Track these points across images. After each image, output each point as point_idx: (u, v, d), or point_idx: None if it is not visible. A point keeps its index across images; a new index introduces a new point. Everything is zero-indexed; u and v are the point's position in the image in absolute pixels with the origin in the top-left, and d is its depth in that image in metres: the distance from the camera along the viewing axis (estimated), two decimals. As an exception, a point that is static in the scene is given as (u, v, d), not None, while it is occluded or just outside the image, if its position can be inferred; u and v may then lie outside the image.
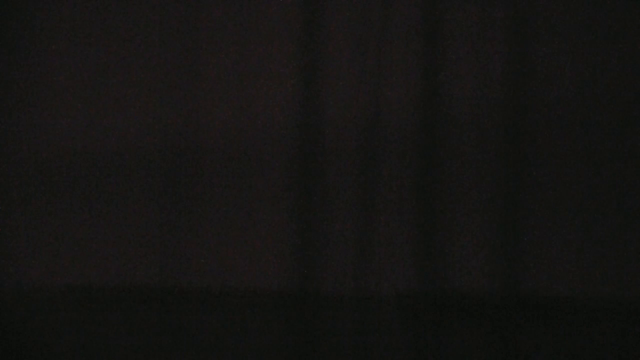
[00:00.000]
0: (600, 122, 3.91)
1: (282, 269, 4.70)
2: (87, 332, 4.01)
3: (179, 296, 4.56)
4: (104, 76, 4.71)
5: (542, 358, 3.41)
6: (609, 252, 3.76)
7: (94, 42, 4.75)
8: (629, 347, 3.34)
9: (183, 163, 4.93)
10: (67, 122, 4.81)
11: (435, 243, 4.23)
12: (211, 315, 4.45)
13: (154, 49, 4.75)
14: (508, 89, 4.20)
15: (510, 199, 4.01)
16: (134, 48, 4.74)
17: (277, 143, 4.84)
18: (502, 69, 4.24)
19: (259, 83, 4.97)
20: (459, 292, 3.95)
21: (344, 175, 4.73)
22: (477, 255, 3.95)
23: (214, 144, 4.89)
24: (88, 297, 4.95)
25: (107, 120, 4.79)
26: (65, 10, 4.83)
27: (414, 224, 4.38)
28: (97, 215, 4.98)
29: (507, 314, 3.96)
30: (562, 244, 3.88)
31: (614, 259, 3.72)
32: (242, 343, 3.69)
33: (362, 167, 4.69)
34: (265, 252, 4.76)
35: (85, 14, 4.69)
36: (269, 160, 4.84)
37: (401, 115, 4.53)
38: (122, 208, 4.91)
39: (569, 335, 3.49)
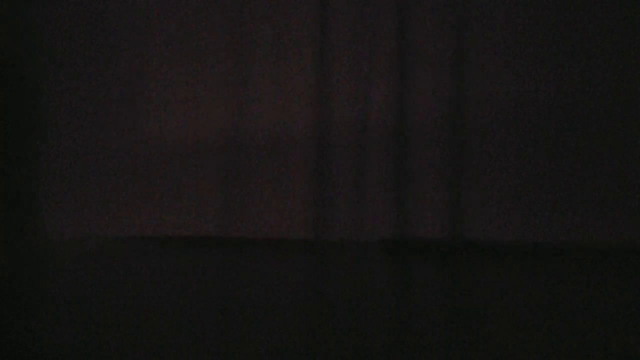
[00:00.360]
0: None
1: (302, 225, 6.60)
2: (142, 276, 5.29)
3: (231, 244, 6.34)
4: (183, 85, 6.75)
5: (485, 292, 4.73)
6: (547, 202, 5.62)
7: (173, 59, 6.83)
8: (564, 286, 4.53)
9: (238, 149, 6.98)
10: (154, 119, 6.81)
11: (404, 205, 6.12)
12: (252, 258, 6.17)
13: (216, 65, 6.87)
14: (460, 100, 6.09)
15: (458, 171, 6.01)
16: (201, 65, 6.83)
17: (300, 134, 6.97)
18: (458, 86, 6.21)
19: (290, 91, 7.03)
20: (420, 239, 5.83)
21: (345, 160, 6.72)
22: (435, 211, 5.84)
23: (259, 135, 7.03)
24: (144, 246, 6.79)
25: (179, 118, 6.87)
26: (160, 34, 6.81)
27: (391, 192, 6.31)
28: (179, 187, 7.11)
29: (457, 257, 5.84)
30: (502, 199, 5.77)
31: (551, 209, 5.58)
32: (276, 277, 4.98)
33: (356, 155, 6.69)
34: (291, 216, 6.76)
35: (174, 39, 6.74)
36: (295, 147, 6.89)
37: (386, 116, 6.54)
38: (192, 181, 6.99)
39: (510, 276, 4.94)
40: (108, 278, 4.71)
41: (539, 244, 5.78)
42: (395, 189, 6.17)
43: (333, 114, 6.47)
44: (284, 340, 2.43)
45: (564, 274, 5.16)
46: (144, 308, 3.19)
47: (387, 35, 6.67)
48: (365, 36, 6.67)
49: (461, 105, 6.30)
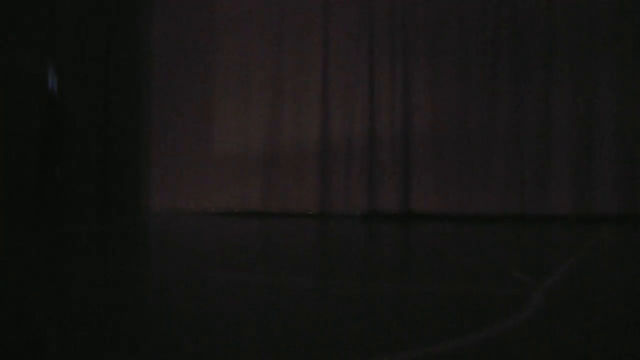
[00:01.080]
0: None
1: (314, 204, 7.64)
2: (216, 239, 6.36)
3: (273, 216, 7.38)
4: (238, 109, 8.45)
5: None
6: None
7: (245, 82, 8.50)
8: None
9: (278, 155, 8.39)
10: (220, 131, 8.38)
11: (373, 194, 7.24)
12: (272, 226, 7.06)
13: (260, 97, 8.44)
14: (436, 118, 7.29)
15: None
16: (250, 95, 8.50)
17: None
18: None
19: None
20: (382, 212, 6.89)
21: (352, 161, 7.94)
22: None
23: (287, 147, 8.54)
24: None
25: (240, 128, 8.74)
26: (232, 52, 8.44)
27: (364, 188, 7.52)
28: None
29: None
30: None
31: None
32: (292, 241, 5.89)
33: (362, 155, 7.90)
34: (305, 197, 8.00)
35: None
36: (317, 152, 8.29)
37: (378, 131, 7.81)
38: (241, 175, 8.48)
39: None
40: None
41: None
42: (368, 183, 7.66)
43: (332, 127, 8.17)
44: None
45: None
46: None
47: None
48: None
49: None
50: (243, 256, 4.50)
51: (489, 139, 8.68)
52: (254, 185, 9.50)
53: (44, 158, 9.13)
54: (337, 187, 9.19)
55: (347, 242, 5.81)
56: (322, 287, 3.09)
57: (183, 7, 10.00)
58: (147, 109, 9.99)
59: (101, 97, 9.87)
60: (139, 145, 10.07)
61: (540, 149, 8.51)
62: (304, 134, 9.37)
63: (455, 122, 8.79)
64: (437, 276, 3.40)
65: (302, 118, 9.42)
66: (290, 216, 8.97)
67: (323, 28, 9.48)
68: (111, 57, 9.96)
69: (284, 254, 4.63)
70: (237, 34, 9.78)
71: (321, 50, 9.42)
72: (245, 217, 9.01)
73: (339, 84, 9.33)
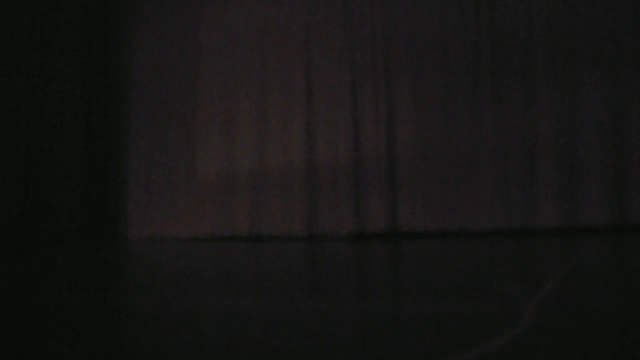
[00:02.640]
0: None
1: (301, 227, 7.57)
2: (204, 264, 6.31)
3: (264, 240, 7.25)
4: (222, 132, 8.51)
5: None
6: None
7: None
8: None
9: (264, 178, 8.45)
10: (202, 154, 8.42)
11: (365, 213, 7.27)
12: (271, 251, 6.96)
13: (244, 122, 8.54)
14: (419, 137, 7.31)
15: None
16: (235, 120, 8.61)
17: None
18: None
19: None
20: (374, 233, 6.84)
21: (341, 184, 7.95)
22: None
23: (273, 169, 8.59)
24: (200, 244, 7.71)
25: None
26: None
27: (351, 209, 7.56)
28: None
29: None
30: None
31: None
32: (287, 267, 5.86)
33: (353, 175, 7.85)
34: (291, 220, 7.96)
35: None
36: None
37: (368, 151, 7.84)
38: (226, 199, 8.46)
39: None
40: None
41: None
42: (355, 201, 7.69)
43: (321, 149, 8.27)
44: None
45: None
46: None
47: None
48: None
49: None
50: (229, 281, 4.44)
51: (474, 156, 8.70)
52: (239, 210, 9.45)
53: (25, 183, 9.03)
54: (324, 208, 9.15)
55: (334, 264, 5.77)
56: (311, 309, 3.04)
57: (166, 33, 9.99)
58: (129, 134, 9.96)
59: (82, 122, 9.80)
60: (120, 171, 10.01)
61: (525, 164, 8.54)
62: (289, 156, 9.35)
63: (440, 140, 8.80)
64: (426, 294, 3.36)
65: (286, 141, 9.40)
66: (276, 239, 8.92)
67: (306, 51, 9.50)
68: (93, 83, 9.92)
69: (271, 277, 4.57)
70: (221, 59, 9.78)
71: (304, 73, 9.44)
72: (231, 241, 8.95)
73: (323, 106, 9.35)
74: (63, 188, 9.45)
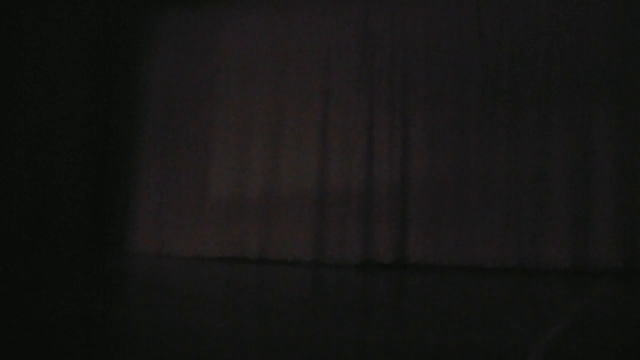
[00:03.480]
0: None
1: (309, 253, 7.55)
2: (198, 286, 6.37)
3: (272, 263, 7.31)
4: (234, 154, 8.69)
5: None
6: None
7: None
8: None
9: (276, 199, 8.52)
10: (215, 175, 8.70)
11: (370, 239, 7.39)
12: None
13: (256, 144, 8.82)
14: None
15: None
16: (247, 142, 8.79)
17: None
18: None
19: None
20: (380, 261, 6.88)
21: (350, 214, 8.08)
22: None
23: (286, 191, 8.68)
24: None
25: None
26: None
27: (360, 237, 7.70)
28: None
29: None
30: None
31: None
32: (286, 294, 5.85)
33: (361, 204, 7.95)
34: (300, 245, 8.03)
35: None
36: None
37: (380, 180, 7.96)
38: (238, 219, 8.55)
39: None
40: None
41: None
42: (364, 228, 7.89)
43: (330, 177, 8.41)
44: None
45: None
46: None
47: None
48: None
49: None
50: (234, 303, 4.40)
51: (486, 190, 8.63)
52: (248, 232, 9.40)
53: (36, 193, 9.07)
54: (333, 235, 9.09)
55: (341, 292, 5.71)
56: (316, 337, 2.99)
57: (183, 55, 10.03)
58: (143, 152, 9.99)
59: (97, 138, 9.87)
60: (131, 188, 10.03)
61: (537, 200, 8.45)
62: (301, 182, 9.32)
63: (452, 173, 8.74)
64: (432, 328, 3.31)
65: (299, 166, 9.37)
66: (284, 264, 8.87)
67: (323, 76, 9.49)
68: (107, 100, 10.00)
69: (277, 302, 4.53)
70: (238, 80, 9.79)
71: (321, 99, 9.43)
72: (238, 262, 8.91)
73: (338, 133, 9.32)
74: (72, 200, 9.49)
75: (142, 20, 10.29)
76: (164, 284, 5.89)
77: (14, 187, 8.76)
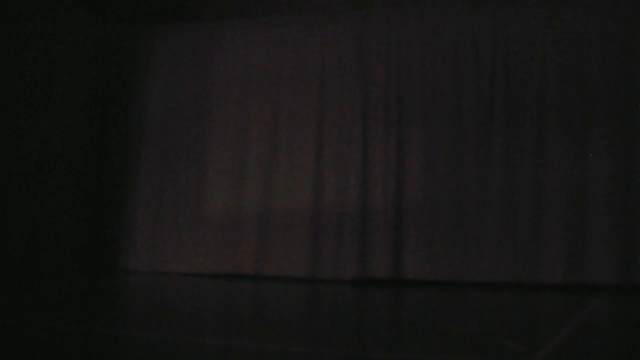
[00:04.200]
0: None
1: (304, 269, 7.57)
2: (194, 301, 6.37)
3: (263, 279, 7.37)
4: (229, 172, 8.79)
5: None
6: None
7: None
8: None
9: (269, 218, 8.61)
10: (210, 193, 8.78)
11: (367, 255, 7.41)
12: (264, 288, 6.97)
13: (251, 162, 8.93)
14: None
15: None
16: (242, 160, 8.89)
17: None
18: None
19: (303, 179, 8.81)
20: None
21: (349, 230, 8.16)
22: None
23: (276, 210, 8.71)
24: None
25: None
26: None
27: (355, 254, 7.83)
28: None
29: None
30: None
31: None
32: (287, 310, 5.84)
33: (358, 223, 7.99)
34: (295, 262, 8.07)
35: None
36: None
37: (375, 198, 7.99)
38: (234, 236, 8.62)
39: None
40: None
41: None
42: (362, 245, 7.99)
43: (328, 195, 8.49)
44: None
45: None
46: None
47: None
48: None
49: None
50: (230, 320, 4.40)
51: (481, 208, 8.66)
52: (244, 249, 9.40)
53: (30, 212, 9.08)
54: (328, 252, 9.09)
55: (337, 309, 5.72)
56: (313, 355, 3.01)
57: (180, 75, 10.06)
58: (139, 171, 10.02)
59: (93, 157, 9.89)
60: (128, 206, 10.05)
61: (533, 217, 8.48)
62: (296, 199, 9.33)
63: (448, 190, 8.77)
64: (429, 345, 3.33)
65: (294, 183, 9.39)
66: (279, 280, 8.88)
67: (319, 94, 9.53)
68: (105, 120, 10.03)
69: (273, 319, 4.54)
70: (233, 99, 9.83)
71: (316, 117, 9.46)
72: (234, 279, 8.91)
73: (333, 151, 9.34)
74: (69, 220, 9.49)
75: (138, 39, 10.34)
76: (159, 301, 5.89)
77: (10, 206, 8.75)
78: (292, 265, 9.30)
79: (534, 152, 8.63)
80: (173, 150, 10.02)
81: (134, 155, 10.10)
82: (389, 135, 9.19)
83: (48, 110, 9.26)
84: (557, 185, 8.50)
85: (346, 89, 9.56)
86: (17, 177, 8.89)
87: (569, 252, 8.37)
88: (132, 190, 10.04)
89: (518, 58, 8.88)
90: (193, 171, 9.92)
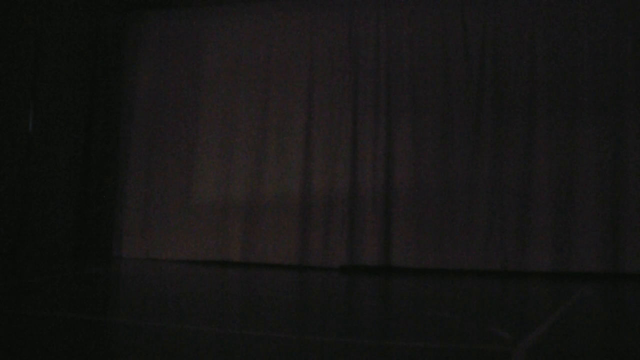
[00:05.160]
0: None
1: (293, 256, 7.55)
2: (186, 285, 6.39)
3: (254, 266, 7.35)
4: (218, 160, 8.74)
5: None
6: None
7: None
8: None
9: (257, 205, 8.66)
10: (198, 180, 8.77)
11: (350, 246, 7.36)
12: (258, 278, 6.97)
13: (240, 151, 9.06)
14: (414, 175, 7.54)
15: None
16: (231, 148, 8.85)
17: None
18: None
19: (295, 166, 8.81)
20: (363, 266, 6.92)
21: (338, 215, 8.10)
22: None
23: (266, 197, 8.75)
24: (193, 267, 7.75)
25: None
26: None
27: (344, 241, 7.84)
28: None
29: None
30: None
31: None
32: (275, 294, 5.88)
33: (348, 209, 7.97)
34: (284, 249, 8.03)
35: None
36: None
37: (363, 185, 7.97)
38: (221, 224, 8.71)
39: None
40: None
41: None
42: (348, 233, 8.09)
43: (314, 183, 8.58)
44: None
45: None
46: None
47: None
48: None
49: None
50: (219, 307, 4.40)
51: (470, 195, 8.68)
52: (233, 236, 9.40)
53: (21, 203, 9.01)
54: (317, 239, 9.10)
55: (325, 296, 5.73)
56: (301, 341, 3.01)
57: (168, 61, 10.01)
58: (128, 160, 9.99)
59: (81, 144, 9.82)
60: (118, 193, 10.02)
61: (521, 205, 8.52)
62: (286, 186, 9.32)
63: (436, 178, 8.78)
64: (417, 332, 3.34)
65: (283, 171, 9.37)
66: (268, 267, 8.89)
67: (308, 82, 9.51)
68: (93, 105, 9.95)
69: (263, 306, 4.54)
70: (222, 87, 9.78)
71: (305, 104, 9.44)
72: (224, 266, 8.91)
73: (322, 138, 9.33)
74: (58, 207, 9.43)
75: (127, 24, 10.27)
76: (149, 288, 5.88)
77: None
78: (281, 252, 9.31)
79: (523, 141, 8.66)
80: (162, 137, 9.97)
81: (123, 144, 10.05)
82: (378, 123, 9.19)
83: (36, 97, 9.18)
84: (545, 173, 8.53)
85: (335, 76, 9.54)
86: (4, 165, 8.82)
87: (556, 240, 8.42)
88: (121, 180, 10.00)
89: (507, 46, 8.88)
90: (182, 159, 9.89)
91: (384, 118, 9.05)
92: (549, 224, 8.37)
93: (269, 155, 9.41)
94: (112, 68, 10.09)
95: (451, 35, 8.99)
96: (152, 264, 8.96)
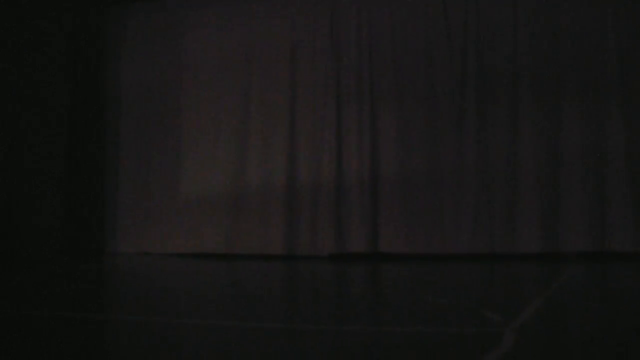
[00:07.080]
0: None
1: (282, 246, 7.56)
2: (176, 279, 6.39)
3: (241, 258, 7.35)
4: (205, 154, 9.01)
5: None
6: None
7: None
8: None
9: (241, 196, 8.58)
10: (186, 174, 8.74)
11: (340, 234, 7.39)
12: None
13: (225, 144, 9.28)
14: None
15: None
16: (216, 142, 8.91)
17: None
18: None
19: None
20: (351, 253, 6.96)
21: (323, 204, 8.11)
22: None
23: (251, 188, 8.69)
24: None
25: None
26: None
27: (332, 229, 7.92)
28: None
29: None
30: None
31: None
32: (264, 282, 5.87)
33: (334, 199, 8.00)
34: (271, 239, 8.03)
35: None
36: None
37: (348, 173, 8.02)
38: (207, 216, 8.68)
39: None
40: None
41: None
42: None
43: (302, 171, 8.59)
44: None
45: None
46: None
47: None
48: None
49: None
50: (209, 299, 4.40)
51: (456, 180, 8.71)
52: (220, 228, 9.38)
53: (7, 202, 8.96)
54: (304, 228, 9.10)
55: (314, 284, 5.75)
56: (292, 329, 3.01)
57: (152, 54, 9.95)
58: (114, 154, 9.94)
59: (66, 141, 9.76)
60: (106, 189, 9.97)
61: (508, 188, 8.56)
62: (271, 176, 9.30)
63: (422, 164, 8.80)
64: (408, 317, 3.35)
65: (269, 161, 9.35)
66: (256, 258, 8.89)
67: (290, 73, 9.48)
68: (79, 101, 9.89)
69: (251, 296, 4.54)
70: (205, 80, 9.73)
71: (289, 95, 9.42)
72: (212, 258, 8.91)
73: (306, 127, 9.31)
74: (47, 204, 9.39)
75: (108, 20, 10.19)
76: (139, 281, 5.86)
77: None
78: (269, 242, 9.31)
79: (507, 124, 8.69)
80: (149, 131, 9.92)
81: (111, 137, 10.00)
82: (362, 111, 9.18)
83: (22, 95, 9.11)
84: (531, 156, 8.57)
85: (318, 66, 9.52)
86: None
87: (544, 222, 8.48)
88: (111, 174, 9.96)
89: (490, 30, 8.89)
90: (169, 152, 9.85)
91: (368, 105, 9.05)
92: (536, 206, 8.42)
93: (254, 146, 9.39)
94: (94, 63, 10.02)
95: (433, 21, 8.99)
96: (144, 258, 8.94)
